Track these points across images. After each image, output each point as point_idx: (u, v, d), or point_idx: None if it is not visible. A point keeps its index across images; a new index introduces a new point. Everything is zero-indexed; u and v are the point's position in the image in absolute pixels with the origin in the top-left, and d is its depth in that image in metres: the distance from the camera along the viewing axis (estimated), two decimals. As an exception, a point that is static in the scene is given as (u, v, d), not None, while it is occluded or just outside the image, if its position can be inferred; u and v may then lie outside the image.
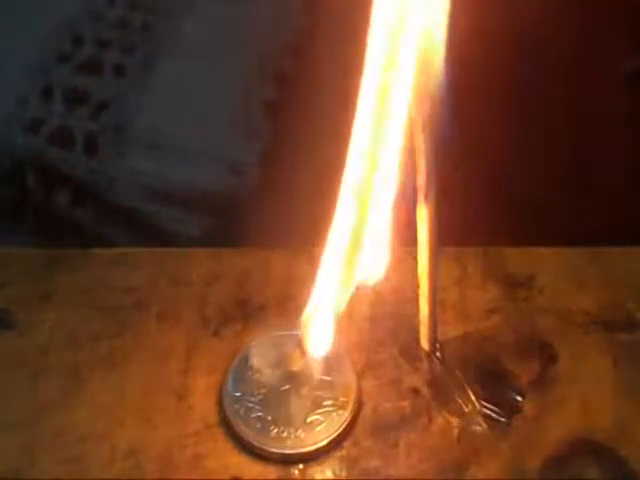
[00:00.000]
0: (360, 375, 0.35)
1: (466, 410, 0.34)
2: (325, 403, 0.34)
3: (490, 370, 0.36)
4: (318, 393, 0.35)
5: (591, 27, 0.51)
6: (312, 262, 0.40)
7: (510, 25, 0.53)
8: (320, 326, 0.33)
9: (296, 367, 0.34)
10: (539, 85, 0.55)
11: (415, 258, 0.34)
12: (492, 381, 0.35)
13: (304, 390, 0.35)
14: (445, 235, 0.33)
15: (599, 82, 0.52)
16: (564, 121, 0.55)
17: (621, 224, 0.42)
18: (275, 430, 0.33)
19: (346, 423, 0.34)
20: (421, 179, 0.31)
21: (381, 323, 0.37)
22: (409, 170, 0.31)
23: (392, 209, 0.31)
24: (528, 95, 0.55)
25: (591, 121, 0.54)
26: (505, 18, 0.53)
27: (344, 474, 0.33)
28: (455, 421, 0.34)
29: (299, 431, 0.34)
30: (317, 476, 0.33)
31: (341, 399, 0.34)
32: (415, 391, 0.35)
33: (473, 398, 0.34)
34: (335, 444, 0.33)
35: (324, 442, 0.33)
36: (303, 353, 0.33)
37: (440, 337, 0.35)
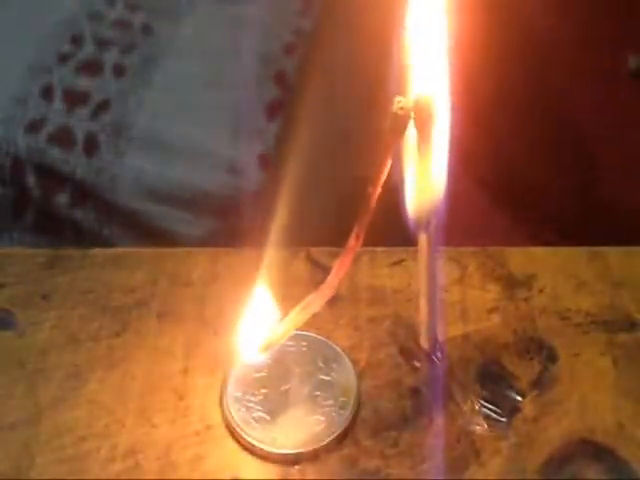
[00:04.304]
0: (360, 375, 0.35)
1: (466, 410, 0.34)
2: (325, 403, 0.34)
3: (490, 370, 0.36)
4: (318, 393, 0.35)
5: (595, 22, 0.51)
6: (312, 262, 0.40)
7: (514, 21, 0.53)
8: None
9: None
10: (544, 85, 0.55)
11: (415, 258, 0.34)
12: (492, 381, 0.35)
13: (304, 390, 0.35)
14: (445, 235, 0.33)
15: (602, 78, 0.52)
16: (566, 115, 0.55)
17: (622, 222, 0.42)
18: (275, 430, 0.33)
19: (346, 423, 0.34)
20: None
21: (381, 323, 0.37)
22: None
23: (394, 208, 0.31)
24: (531, 91, 0.55)
25: (594, 116, 0.54)
26: (509, 14, 0.53)
27: (344, 474, 0.33)
28: (455, 421, 0.34)
29: (299, 431, 0.33)
30: (317, 476, 0.33)
31: (341, 399, 0.34)
32: (415, 391, 0.35)
33: (473, 398, 0.34)
34: (335, 444, 0.33)
35: (324, 442, 0.33)
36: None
37: (440, 337, 0.35)
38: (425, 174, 0.30)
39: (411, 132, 0.30)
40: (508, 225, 0.58)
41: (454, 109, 0.30)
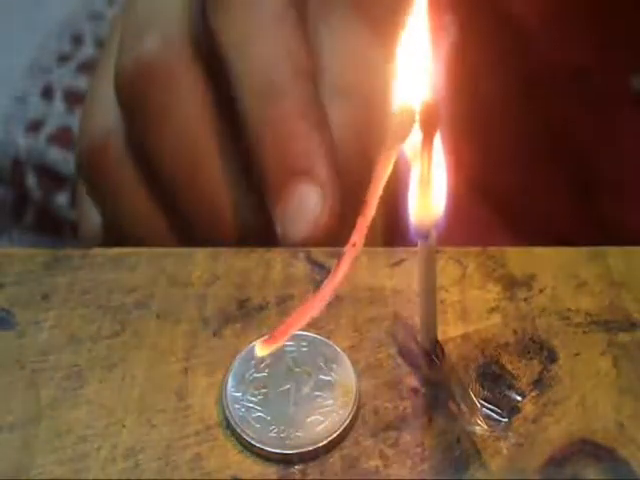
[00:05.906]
0: (360, 375, 0.35)
1: (466, 410, 0.34)
2: (325, 403, 0.34)
3: (490, 370, 0.36)
4: (318, 393, 0.35)
5: (601, 42, 0.51)
6: (312, 262, 0.40)
7: (515, 43, 0.53)
8: None
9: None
10: (541, 99, 0.55)
11: (415, 258, 0.34)
12: (492, 381, 0.35)
13: (304, 390, 0.35)
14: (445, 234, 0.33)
15: (607, 98, 0.52)
16: (567, 136, 0.55)
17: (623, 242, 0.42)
18: (275, 430, 0.33)
19: (346, 423, 0.34)
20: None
21: (381, 323, 0.37)
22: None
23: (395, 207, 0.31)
24: (530, 109, 0.55)
25: (597, 137, 0.54)
26: (510, 37, 0.53)
27: (344, 474, 0.33)
28: (455, 421, 0.34)
29: (299, 431, 0.33)
30: (317, 476, 0.33)
31: (341, 399, 0.34)
32: (415, 391, 0.35)
33: (473, 398, 0.34)
34: (335, 444, 0.33)
35: (324, 442, 0.33)
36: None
37: (440, 337, 0.35)
38: (427, 183, 0.30)
39: (415, 138, 0.30)
40: (509, 239, 0.58)
41: (456, 123, 0.30)
